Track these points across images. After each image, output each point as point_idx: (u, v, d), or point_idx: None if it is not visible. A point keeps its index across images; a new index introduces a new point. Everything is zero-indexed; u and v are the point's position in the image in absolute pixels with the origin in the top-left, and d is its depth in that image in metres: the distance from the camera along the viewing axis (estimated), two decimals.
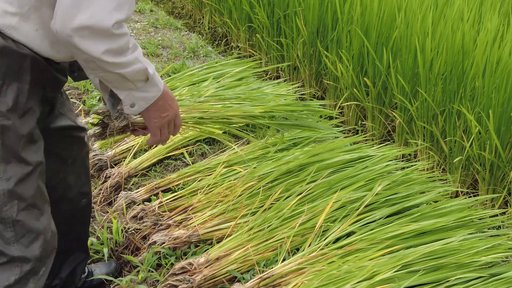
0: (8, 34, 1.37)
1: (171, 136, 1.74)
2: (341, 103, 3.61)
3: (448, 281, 2.05)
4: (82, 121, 3.27)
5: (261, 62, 4.30)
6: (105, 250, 2.24)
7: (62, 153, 1.78)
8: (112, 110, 1.65)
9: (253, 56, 4.43)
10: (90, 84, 3.73)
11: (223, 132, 3.01)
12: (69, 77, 1.70)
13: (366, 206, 2.38)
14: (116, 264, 2.21)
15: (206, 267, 2.09)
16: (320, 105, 3.78)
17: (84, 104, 3.53)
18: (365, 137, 3.12)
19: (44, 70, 1.46)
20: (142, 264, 2.20)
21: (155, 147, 2.90)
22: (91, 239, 2.31)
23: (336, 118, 3.54)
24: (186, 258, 2.19)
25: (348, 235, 2.26)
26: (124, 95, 1.51)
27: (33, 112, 1.47)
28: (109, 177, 2.72)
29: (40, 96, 1.50)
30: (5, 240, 1.43)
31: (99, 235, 2.36)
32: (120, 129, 1.72)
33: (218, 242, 2.26)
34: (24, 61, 1.40)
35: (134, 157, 2.87)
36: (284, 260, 2.13)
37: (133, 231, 2.35)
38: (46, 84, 1.50)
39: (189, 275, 2.05)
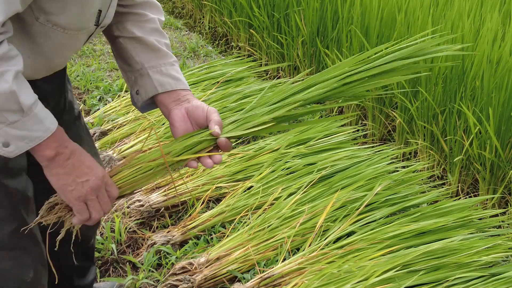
0: None
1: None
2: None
3: (448, 280, 2.05)
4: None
5: (261, 62, 4.30)
6: (113, 246, 2.25)
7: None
8: None
9: (253, 56, 4.43)
10: (91, 84, 3.74)
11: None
12: None
13: (366, 206, 2.38)
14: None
15: (206, 267, 2.09)
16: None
17: (84, 104, 3.53)
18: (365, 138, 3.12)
19: None
20: (142, 264, 2.20)
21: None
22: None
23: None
24: (186, 258, 2.20)
25: (349, 235, 2.26)
26: None
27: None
28: None
29: None
30: None
31: (102, 232, 2.36)
32: None
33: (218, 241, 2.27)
34: None
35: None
36: (284, 259, 2.13)
37: (135, 230, 2.36)
38: None
39: (190, 275, 2.06)
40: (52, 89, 1.39)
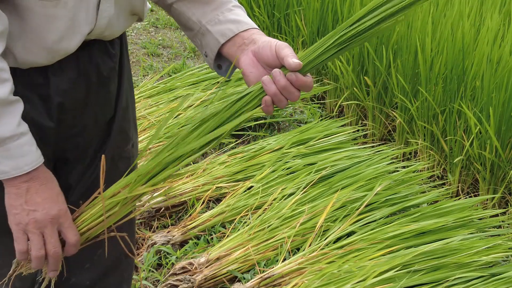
0: None
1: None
2: (341, 103, 3.61)
3: (448, 280, 2.05)
4: None
5: None
6: None
7: None
8: None
9: None
10: None
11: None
12: None
13: (366, 206, 2.38)
14: None
15: (206, 267, 2.09)
16: (320, 104, 3.79)
17: None
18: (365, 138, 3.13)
19: None
20: (142, 264, 2.20)
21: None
22: None
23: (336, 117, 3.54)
24: (186, 258, 2.20)
25: (349, 235, 2.26)
26: None
27: None
28: None
29: None
30: None
31: None
32: None
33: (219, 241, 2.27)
34: None
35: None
36: (284, 259, 2.14)
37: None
38: None
39: (190, 275, 2.06)
40: (68, 88, 1.18)
